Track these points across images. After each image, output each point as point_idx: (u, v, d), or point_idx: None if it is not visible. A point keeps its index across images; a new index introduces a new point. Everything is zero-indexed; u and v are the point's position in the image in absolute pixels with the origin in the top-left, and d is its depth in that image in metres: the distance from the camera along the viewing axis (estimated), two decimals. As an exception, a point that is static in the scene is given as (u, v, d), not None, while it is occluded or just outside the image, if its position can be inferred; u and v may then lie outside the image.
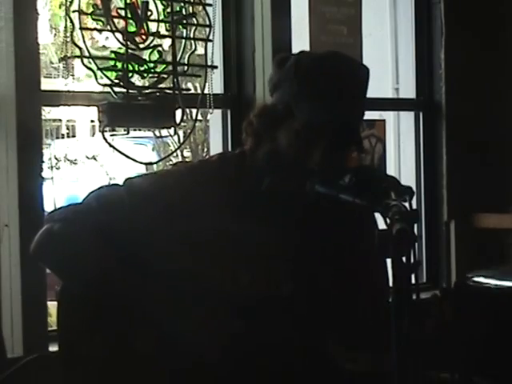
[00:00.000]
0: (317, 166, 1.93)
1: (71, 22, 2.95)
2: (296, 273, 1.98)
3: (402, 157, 4.28)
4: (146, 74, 3.18)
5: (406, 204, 1.69)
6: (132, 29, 3.13)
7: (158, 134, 3.78)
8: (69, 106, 3.08)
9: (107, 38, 3.19)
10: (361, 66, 2.06)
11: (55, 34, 4.69)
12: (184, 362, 1.90)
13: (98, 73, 3.05)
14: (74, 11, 2.97)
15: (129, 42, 3.10)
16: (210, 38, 3.30)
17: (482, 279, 3.49)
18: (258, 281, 1.95)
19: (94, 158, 6.17)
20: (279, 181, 1.97)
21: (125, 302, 1.91)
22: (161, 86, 3.22)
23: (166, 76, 3.22)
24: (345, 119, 1.96)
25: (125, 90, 3.09)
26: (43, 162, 2.96)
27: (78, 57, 3.00)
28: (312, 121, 1.94)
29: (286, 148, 1.96)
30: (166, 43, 3.31)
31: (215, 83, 3.39)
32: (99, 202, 1.97)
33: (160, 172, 2.31)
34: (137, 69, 3.13)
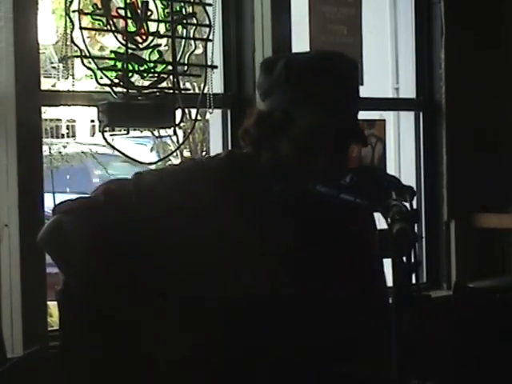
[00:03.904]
0: (321, 168, 1.92)
1: (71, 21, 2.95)
2: (297, 274, 1.97)
3: (401, 157, 4.28)
4: (145, 74, 3.18)
5: (407, 204, 1.68)
6: (132, 29, 3.13)
7: (157, 133, 3.78)
8: (69, 105, 3.08)
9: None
10: (350, 61, 2.04)
11: (55, 33, 4.69)
12: (185, 362, 1.89)
13: (98, 73, 3.05)
14: (73, 11, 2.97)
15: (129, 42, 3.10)
16: (210, 37, 3.30)
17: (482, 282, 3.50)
18: (260, 282, 1.94)
19: (93, 156, 6.16)
20: (284, 186, 1.96)
21: (126, 300, 1.91)
22: (161, 85, 3.22)
23: (165, 76, 3.22)
24: (345, 118, 1.96)
25: (125, 90, 3.09)
26: (43, 161, 2.96)
27: (77, 56, 3.00)
28: (314, 124, 1.93)
29: (288, 154, 1.95)
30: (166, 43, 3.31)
31: (215, 83, 3.39)
32: (106, 196, 1.97)
33: (168, 169, 2.31)
34: (137, 69, 3.13)
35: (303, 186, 1.90)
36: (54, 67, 5.21)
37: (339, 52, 2.08)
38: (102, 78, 3.07)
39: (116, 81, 3.09)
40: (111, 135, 3.21)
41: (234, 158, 2.07)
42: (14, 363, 2.49)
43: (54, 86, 4.67)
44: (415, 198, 1.80)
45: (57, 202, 2.05)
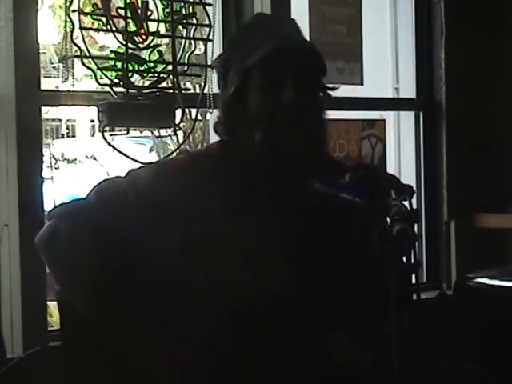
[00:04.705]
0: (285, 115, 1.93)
1: (71, 21, 2.95)
2: (297, 272, 1.97)
3: (402, 157, 4.28)
4: (145, 74, 3.18)
5: (407, 203, 1.68)
6: (132, 28, 3.13)
7: (157, 133, 3.77)
8: (69, 105, 3.08)
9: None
10: (286, 17, 2.13)
11: (56, 33, 4.69)
12: (185, 363, 1.89)
13: (98, 72, 3.05)
14: (73, 11, 2.97)
15: (129, 42, 3.10)
16: (210, 37, 3.30)
17: (481, 279, 3.49)
18: (260, 281, 1.94)
19: (94, 158, 6.17)
20: (279, 180, 1.97)
21: (124, 303, 1.90)
22: (161, 85, 3.22)
23: (165, 76, 3.22)
24: (282, 54, 2.03)
25: (125, 90, 3.09)
26: (43, 161, 2.96)
27: (77, 56, 3.00)
28: (250, 66, 1.96)
29: (256, 108, 1.96)
30: (166, 43, 3.31)
31: (215, 83, 3.38)
32: (101, 197, 1.96)
33: (163, 162, 2.30)
34: (137, 68, 3.13)
35: (299, 181, 1.90)
36: (54, 67, 5.21)
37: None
38: (101, 77, 3.07)
39: (116, 81, 3.09)
40: (111, 135, 3.20)
41: (226, 146, 2.06)
42: (14, 363, 2.49)
43: (57, 87, 4.66)
44: (415, 198, 1.80)
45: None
